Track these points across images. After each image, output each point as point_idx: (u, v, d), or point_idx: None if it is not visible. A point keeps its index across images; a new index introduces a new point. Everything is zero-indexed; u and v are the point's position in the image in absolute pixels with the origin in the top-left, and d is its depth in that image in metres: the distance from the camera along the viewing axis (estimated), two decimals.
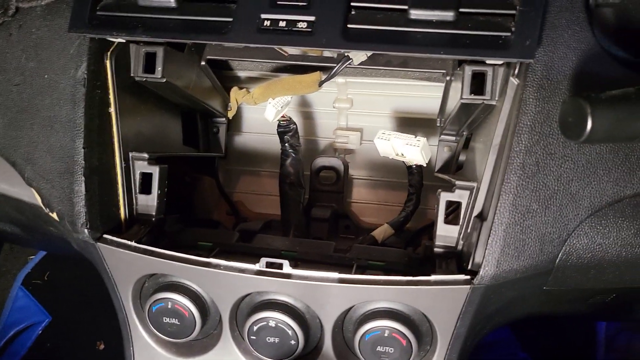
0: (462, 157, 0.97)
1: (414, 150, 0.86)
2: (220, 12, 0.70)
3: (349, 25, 0.67)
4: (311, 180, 1.08)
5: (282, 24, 0.68)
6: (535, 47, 0.63)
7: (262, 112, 1.02)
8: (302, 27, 0.67)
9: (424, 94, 1.01)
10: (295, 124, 1.00)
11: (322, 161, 1.08)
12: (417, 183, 0.97)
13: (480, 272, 0.66)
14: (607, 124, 0.53)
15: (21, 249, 1.91)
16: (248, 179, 1.15)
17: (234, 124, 1.12)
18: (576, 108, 0.54)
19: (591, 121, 0.52)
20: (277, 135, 1.01)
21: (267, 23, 0.68)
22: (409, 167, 0.97)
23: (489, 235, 0.66)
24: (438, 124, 0.99)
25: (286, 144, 1.01)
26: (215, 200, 1.12)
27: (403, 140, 0.87)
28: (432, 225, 1.01)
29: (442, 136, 0.98)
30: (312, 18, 0.67)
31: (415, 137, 0.86)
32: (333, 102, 1.06)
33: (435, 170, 0.99)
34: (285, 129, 1.00)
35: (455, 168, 0.97)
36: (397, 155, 0.89)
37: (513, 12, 0.64)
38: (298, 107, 1.10)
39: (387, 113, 1.07)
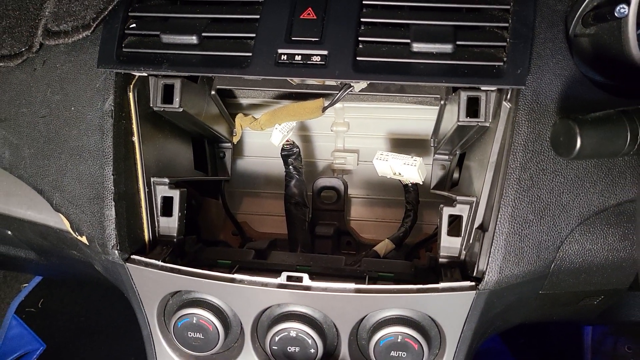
0: (455, 174, 1.04)
1: (411, 170, 0.92)
2: (239, 47, 0.76)
3: (358, 58, 0.74)
4: (313, 200, 1.14)
5: (298, 57, 0.74)
6: (526, 74, 0.71)
7: (263, 137, 1.07)
8: (316, 61, 0.74)
9: (416, 117, 1.08)
10: (298, 147, 1.06)
11: (323, 182, 1.14)
12: (414, 200, 1.03)
13: (485, 278, 0.72)
14: (593, 142, 0.60)
15: (14, 277, 1.90)
16: (252, 200, 1.20)
17: (238, 149, 1.18)
18: (566, 129, 0.61)
19: (580, 140, 0.59)
20: (280, 159, 1.07)
21: (284, 57, 0.74)
22: (406, 186, 1.03)
23: (491, 245, 0.72)
24: (432, 145, 1.06)
25: (290, 167, 1.06)
26: (222, 221, 1.17)
27: (400, 161, 0.93)
28: (429, 239, 1.08)
29: (436, 155, 1.05)
30: (325, 52, 0.74)
31: (412, 157, 0.92)
32: (331, 126, 1.12)
33: (431, 187, 1.05)
34: (289, 152, 1.06)
35: (450, 185, 1.03)
36: (394, 174, 0.95)
37: (504, 44, 0.72)
38: (298, 132, 1.16)
39: (382, 135, 1.13)
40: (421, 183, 0.97)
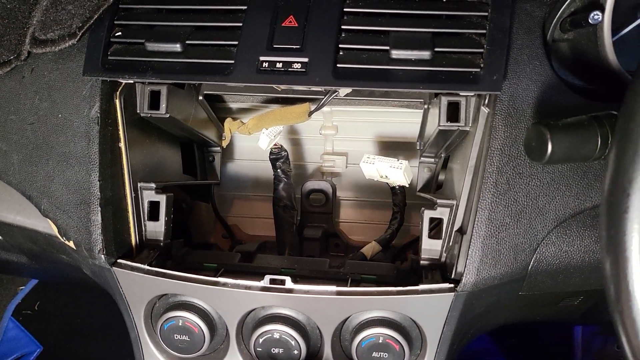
0: (441, 177, 1.05)
1: (397, 172, 0.93)
2: (222, 55, 0.77)
3: (338, 65, 0.75)
4: (302, 203, 1.15)
5: (279, 65, 0.75)
6: (502, 80, 0.72)
7: (253, 141, 1.09)
8: (297, 68, 0.75)
9: (403, 120, 1.09)
10: (286, 151, 1.07)
11: (311, 184, 1.15)
12: (401, 202, 1.05)
13: (463, 280, 0.73)
14: (564, 147, 0.61)
15: (10, 280, 1.92)
16: (241, 203, 1.22)
17: (227, 152, 1.19)
18: (538, 134, 0.62)
19: (551, 145, 0.61)
20: (269, 162, 1.08)
21: (265, 65, 0.76)
22: (393, 188, 1.05)
23: (469, 247, 0.73)
24: (418, 147, 1.07)
25: (278, 170, 1.08)
26: (212, 224, 1.19)
27: (387, 163, 0.94)
28: (416, 241, 1.09)
29: (422, 158, 1.06)
30: (305, 59, 0.75)
31: (398, 160, 0.94)
32: (319, 129, 1.14)
33: (417, 189, 1.07)
34: (277, 156, 1.07)
35: (435, 187, 1.05)
36: (381, 177, 0.96)
37: (481, 50, 0.73)
38: (287, 135, 1.17)
39: (370, 138, 1.14)
40: (407, 185, 0.98)
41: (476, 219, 0.73)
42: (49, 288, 1.89)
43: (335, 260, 0.94)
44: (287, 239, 1.07)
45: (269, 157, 1.07)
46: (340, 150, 1.18)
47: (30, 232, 0.88)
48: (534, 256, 0.74)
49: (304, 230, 1.11)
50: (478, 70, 0.73)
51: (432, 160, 1.06)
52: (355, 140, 1.16)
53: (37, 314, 1.86)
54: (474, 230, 0.73)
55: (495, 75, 0.72)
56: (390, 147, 1.14)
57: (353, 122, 1.13)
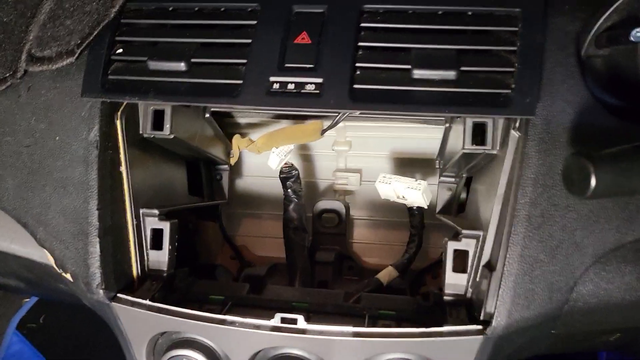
0: (462, 196, 0.99)
1: (415, 194, 0.88)
2: (230, 74, 0.72)
3: (355, 86, 0.69)
4: (314, 223, 1.10)
5: (291, 86, 0.70)
6: (536, 103, 0.66)
7: (262, 157, 1.03)
8: (310, 89, 0.69)
9: (421, 135, 1.04)
10: (297, 170, 1.02)
11: (323, 204, 1.10)
12: (419, 224, 0.99)
13: (493, 323, 0.67)
14: (608, 181, 0.55)
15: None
16: (250, 222, 1.17)
17: (235, 169, 1.14)
18: (580, 167, 0.56)
19: (595, 180, 0.55)
20: (279, 181, 1.03)
21: (276, 86, 0.70)
22: (410, 209, 0.99)
23: (500, 286, 0.67)
24: (437, 166, 1.01)
25: (289, 190, 1.02)
26: (219, 244, 1.14)
27: (404, 184, 0.89)
28: (435, 265, 1.03)
29: (442, 177, 1.00)
30: (319, 80, 0.70)
31: (416, 180, 0.88)
32: (332, 145, 1.08)
33: (437, 211, 1.01)
34: (287, 175, 1.02)
35: (457, 209, 0.99)
36: (398, 198, 0.91)
37: (512, 69, 0.67)
38: (298, 151, 1.12)
39: (385, 154, 1.09)
40: (426, 207, 0.93)
41: (507, 255, 0.67)
42: (54, 302, 1.86)
43: (348, 284, 0.88)
44: (298, 263, 1.01)
45: (279, 176, 1.02)
46: (354, 166, 1.12)
47: (25, 261, 0.84)
48: (571, 295, 0.68)
49: (316, 254, 1.05)
50: (509, 91, 0.67)
51: (453, 180, 1.00)
52: (369, 157, 1.10)
53: (42, 327, 1.84)
54: (505, 268, 0.67)
55: (529, 98, 0.66)
56: (407, 164, 1.08)
57: (367, 138, 1.08)
